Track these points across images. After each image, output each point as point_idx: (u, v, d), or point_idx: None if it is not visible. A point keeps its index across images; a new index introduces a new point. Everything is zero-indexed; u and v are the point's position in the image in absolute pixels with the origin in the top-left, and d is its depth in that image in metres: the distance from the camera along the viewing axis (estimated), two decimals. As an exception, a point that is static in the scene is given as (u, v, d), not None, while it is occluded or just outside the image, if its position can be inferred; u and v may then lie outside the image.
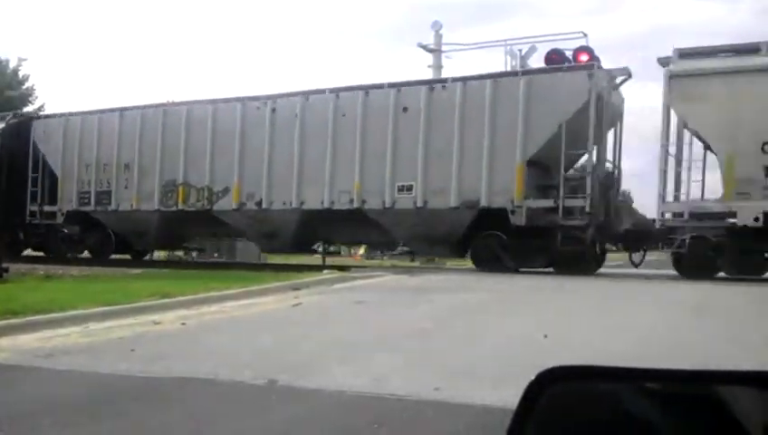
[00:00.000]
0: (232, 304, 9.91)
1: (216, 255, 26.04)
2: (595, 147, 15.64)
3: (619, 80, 16.12)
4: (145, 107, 20.40)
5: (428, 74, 21.10)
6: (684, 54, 14.79)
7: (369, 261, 20.95)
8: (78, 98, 73.25)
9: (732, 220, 13.95)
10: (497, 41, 19.47)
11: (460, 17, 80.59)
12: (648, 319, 8.50)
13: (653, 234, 15.30)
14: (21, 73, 39.38)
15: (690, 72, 14.39)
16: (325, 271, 15.59)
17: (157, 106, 20.34)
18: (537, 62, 17.12)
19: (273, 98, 18.33)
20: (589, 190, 15.05)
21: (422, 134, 16.26)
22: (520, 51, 17.33)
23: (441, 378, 5.08)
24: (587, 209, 15.02)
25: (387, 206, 16.63)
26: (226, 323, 8.52)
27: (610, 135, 16.59)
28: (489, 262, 15.63)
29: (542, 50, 16.83)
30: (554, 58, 16.09)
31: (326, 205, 17.26)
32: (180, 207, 19.18)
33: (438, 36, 22.67)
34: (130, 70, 79.08)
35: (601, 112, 15.22)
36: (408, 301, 10.59)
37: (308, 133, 17.53)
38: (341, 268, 16.16)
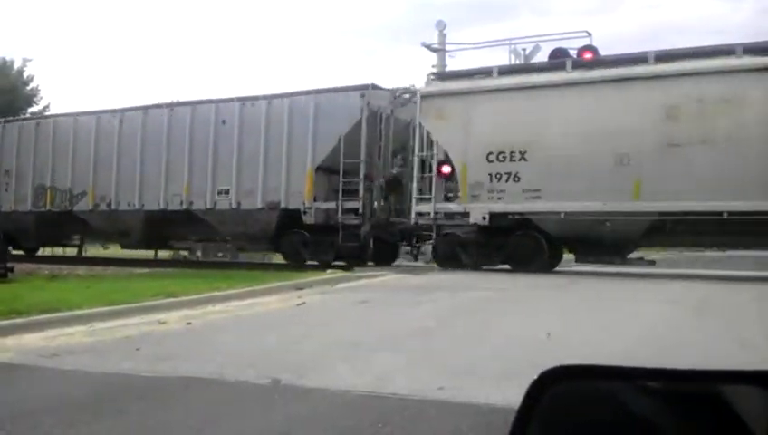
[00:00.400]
0: (236, 304, 9.92)
1: (220, 254, 26.13)
2: (380, 156, 17.36)
3: (407, 97, 17.63)
4: (24, 119, 23.49)
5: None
6: (443, 77, 17.11)
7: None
8: (83, 98, 73.45)
9: (466, 219, 15.86)
10: (501, 40, 19.61)
11: (462, 16, 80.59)
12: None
13: (416, 230, 17.32)
14: (26, 74, 39.46)
15: (435, 92, 16.38)
16: (328, 270, 15.62)
17: (31, 118, 23.10)
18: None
19: (122, 111, 20.79)
20: (361, 194, 17.03)
21: (236, 144, 18.41)
22: (524, 50, 17.37)
23: (444, 377, 5.07)
24: (360, 211, 17.02)
25: (209, 207, 18.83)
26: (231, 322, 8.53)
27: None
28: (294, 256, 17.71)
29: (546, 49, 16.90)
30: (558, 57, 16.12)
31: (162, 206, 19.51)
32: (48, 208, 21.58)
33: (442, 36, 22.57)
34: (134, 68, 79.35)
35: (374, 128, 17.12)
36: (411, 300, 10.57)
37: (148, 143, 19.79)
38: (345, 268, 16.27)
